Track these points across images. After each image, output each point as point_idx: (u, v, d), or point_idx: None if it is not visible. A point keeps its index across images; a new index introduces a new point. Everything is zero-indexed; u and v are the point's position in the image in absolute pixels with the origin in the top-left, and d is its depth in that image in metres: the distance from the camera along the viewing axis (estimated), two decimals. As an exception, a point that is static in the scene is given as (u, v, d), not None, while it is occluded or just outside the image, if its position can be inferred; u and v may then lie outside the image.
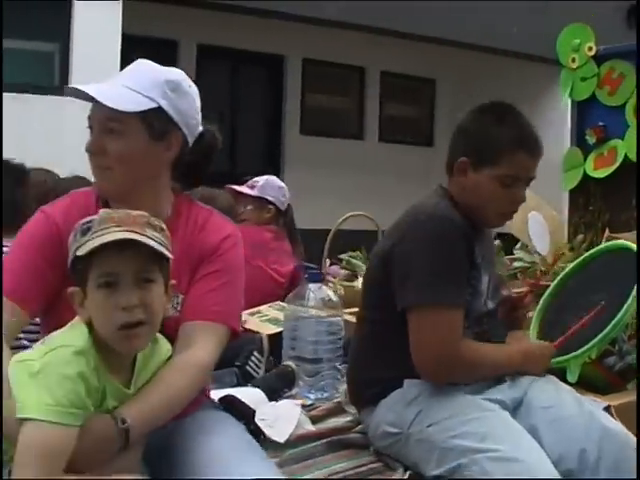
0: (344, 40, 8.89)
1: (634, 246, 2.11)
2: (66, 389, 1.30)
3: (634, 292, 1.92)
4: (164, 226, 1.42)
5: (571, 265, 2.33)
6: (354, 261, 3.79)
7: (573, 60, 4.61)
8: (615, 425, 1.78)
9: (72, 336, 1.37)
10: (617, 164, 4.24)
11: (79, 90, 1.56)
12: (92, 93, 1.54)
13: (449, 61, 10.02)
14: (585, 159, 4.43)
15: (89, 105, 1.61)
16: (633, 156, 4.08)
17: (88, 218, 1.39)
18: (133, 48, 7.48)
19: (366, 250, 3.66)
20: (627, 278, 1.97)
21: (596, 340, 1.94)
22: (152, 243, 1.35)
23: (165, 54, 8.73)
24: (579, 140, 4.54)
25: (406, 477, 1.82)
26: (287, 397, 2.35)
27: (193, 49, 8.82)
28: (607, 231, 3.69)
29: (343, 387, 2.32)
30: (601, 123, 4.38)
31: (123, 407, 1.39)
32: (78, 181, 2.76)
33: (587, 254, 2.30)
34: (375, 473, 1.90)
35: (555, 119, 9.74)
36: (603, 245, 2.44)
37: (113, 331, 1.35)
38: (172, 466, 1.48)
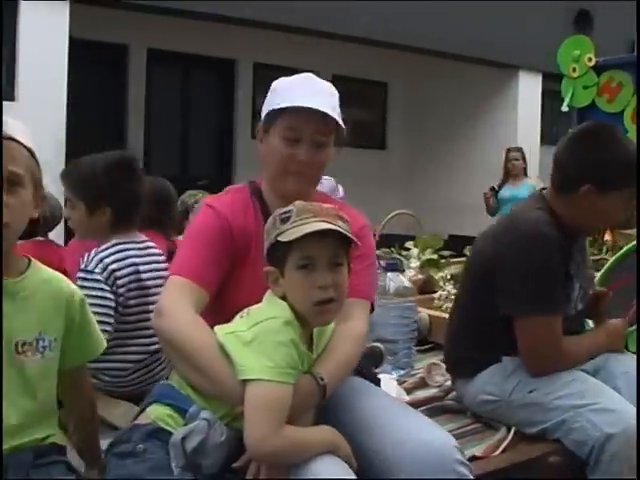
0: (295, 44, 8.93)
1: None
2: (282, 353, 1.52)
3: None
4: (347, 217, 1.64)
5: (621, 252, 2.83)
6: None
7: (574, 70, 4.98)
8: None
9: (277, 309, 1.59)
10: None
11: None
12: (327, 110, 1.82)
13: (400, 65, 10.15)
14: None
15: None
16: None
17: (286, 209, 1.62)
18: (83, 52, 7.45)
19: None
20: None
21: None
22: (344, 232, 1.58)
23: (115, 58, 8.69)
24: None
25: (511, 434, 2.14)
26: (376, 374, 2.73)
27: (143, 53, 8.79)
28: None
29: (418, 365, 2.81)
30: None
31: (314, 369, 1.62)
32: None
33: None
34: (478, 432, 2.22)
35: (504, 119, 10.04)
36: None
37: (309, 306, 1.58)
38: (337, 422, 1.63)
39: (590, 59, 4.91)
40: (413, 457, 1.57)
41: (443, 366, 2.57)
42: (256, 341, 1.53)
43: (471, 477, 1.60)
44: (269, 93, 1.88)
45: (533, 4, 9.14)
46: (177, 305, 1.66)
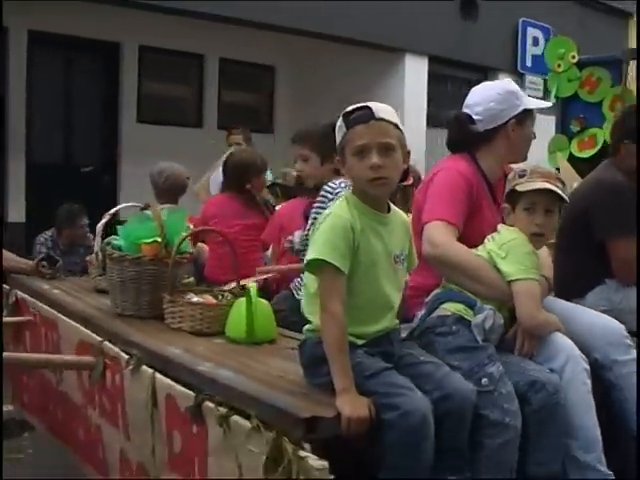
0: (182, 27, 8.80)
1: None
2: (529, 260, 2.31)
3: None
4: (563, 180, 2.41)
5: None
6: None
7: (559, 65, 5.89)
8: None
9: (514, 233, 2.36)
10: (598, 147, 5.55)
11: None
12: None
13: (288, 48, 10.21)
14: (570, 143, 5.76)
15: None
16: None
17: (523, 168, 2.40)
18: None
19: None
20: None
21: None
22: (559, 192, 2.33)
23: (-8, 41, 8.26)
24: (563, 128, 5.94)
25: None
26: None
27: (24, 36, 8.34)
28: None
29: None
30: (581, 115, 5.74)
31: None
32: None
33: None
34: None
35: (394, 104, 10.18)
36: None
37: (532, 231, 2.37)
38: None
39: (573, 57, 5.85)
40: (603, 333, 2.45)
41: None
42: (510, 254, 2.30)
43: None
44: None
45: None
46: (450, 239, 2.40)
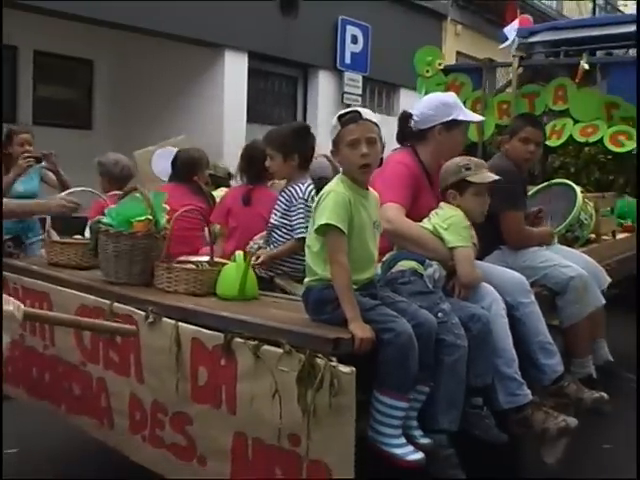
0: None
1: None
2: (467, 232, 3.09)
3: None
4: None
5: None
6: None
7: (427, 71, 6.93)
8: None
9: (455, 211, 3.13)
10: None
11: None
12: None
13: (108, 42, 9.87)
14: None
15: None
16: (473, 138, 6.65)
17: (467, 161, 3.20)
18: None
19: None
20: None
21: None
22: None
23: None
24: None
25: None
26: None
27: None
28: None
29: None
30: None
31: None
32: None
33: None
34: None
35: (211, 97, 10.12)
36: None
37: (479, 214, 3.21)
38: None
39: (440, 64, 6.89)
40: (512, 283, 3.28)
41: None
42: (451, 227, 3.08)
43: None
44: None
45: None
46: (400, 216, 3.12)
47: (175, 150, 4.76)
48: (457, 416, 2.76)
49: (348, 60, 12.05)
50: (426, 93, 6.78)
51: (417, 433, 2.67)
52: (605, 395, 3.38)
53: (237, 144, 8.18)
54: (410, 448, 2.54)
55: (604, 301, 3.80)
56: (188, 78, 10.02)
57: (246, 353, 2.53)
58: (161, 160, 5.07)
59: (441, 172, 3.27)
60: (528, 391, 3.04)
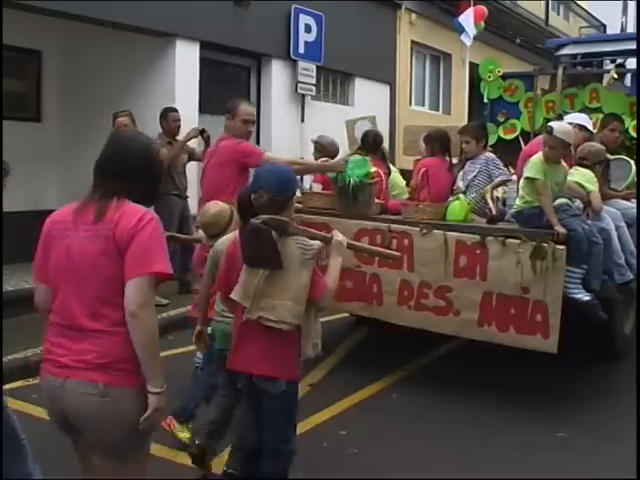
0: None
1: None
2: None
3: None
4: None
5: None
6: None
7: (489, 77, 8.92)
8: None
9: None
10: (517, 132, 8.62)
11: None
12: None
13: (55, 32, 9.71)
14: (497, 129, 8.75)
15: None
16: (527, 128, 8.52)
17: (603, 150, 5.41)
18: None
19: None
20: None
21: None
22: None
23: None
24: (492, 119, 8.83)
25: None
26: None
27: None
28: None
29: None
30: (504, 110, 8.81)
31: None
32: None
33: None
34: None
35: (162, 87, 9.64)
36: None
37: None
38: None
39: (499, 71, 8.98)
40: None
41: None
42: (589, 180, 5.27)
43: None
44: None
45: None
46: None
47: (368, 122, 6.86)
48: (599, 283, 4.91)
49: (302, 49, 11.60)
50: (489, 94, 8.97)
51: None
52: None
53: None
54: (584, 294, 4.71)
55: None
56: (139, 68, 9.64)
57: (495, 245, 4.68)
58: (359, 130, 7.00)
59: (584, 149, 5.36)
60: (630, 273, 5.22)
